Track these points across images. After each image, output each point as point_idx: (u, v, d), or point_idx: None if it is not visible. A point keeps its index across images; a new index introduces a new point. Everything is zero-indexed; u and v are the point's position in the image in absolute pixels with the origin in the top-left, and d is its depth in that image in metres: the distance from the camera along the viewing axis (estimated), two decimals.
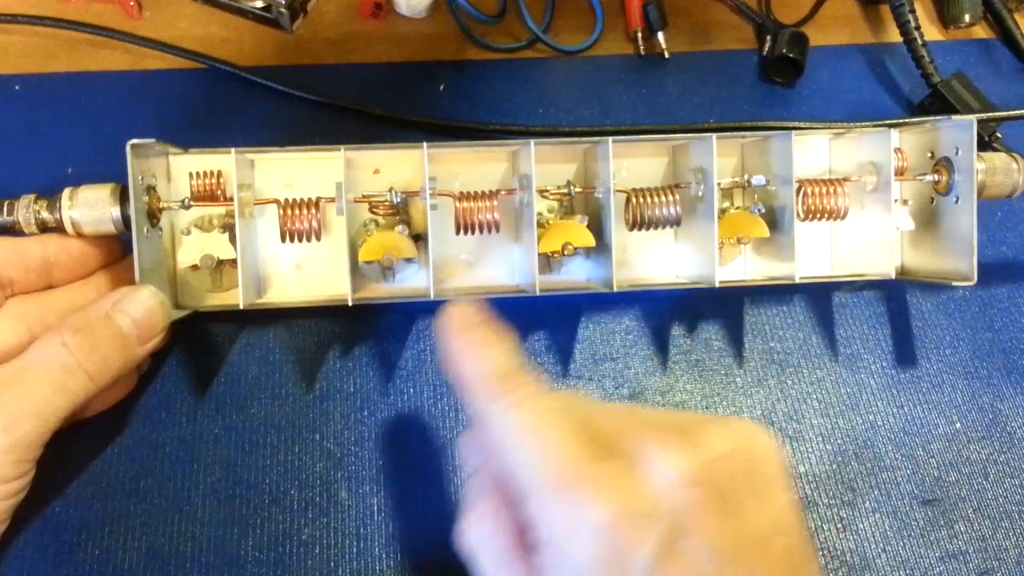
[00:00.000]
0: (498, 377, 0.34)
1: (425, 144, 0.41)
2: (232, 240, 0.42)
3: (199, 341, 0.45)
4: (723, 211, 0.45)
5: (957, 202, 0.44)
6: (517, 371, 0.34)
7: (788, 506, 0.33)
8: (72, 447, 0.42)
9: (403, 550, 0.41)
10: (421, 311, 0.45)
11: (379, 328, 0.46)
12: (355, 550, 0.41)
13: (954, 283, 0.43)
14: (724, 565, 0.30)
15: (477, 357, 0.35)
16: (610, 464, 0.31)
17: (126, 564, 0.40)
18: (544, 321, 0.47)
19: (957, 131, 0.44)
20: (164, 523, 0.41)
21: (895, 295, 0.49)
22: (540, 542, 0.31)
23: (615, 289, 0.42)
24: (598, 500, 0.30)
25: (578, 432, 0.32)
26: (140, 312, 0.38)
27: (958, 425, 0.46)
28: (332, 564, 0.41)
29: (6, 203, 0.40)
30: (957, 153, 0.44)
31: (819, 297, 0.49)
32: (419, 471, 0.43)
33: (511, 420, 0.32)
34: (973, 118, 0.43)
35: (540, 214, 0.45)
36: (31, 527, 0.40)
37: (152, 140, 0.40)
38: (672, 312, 0.48)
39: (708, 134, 0.42)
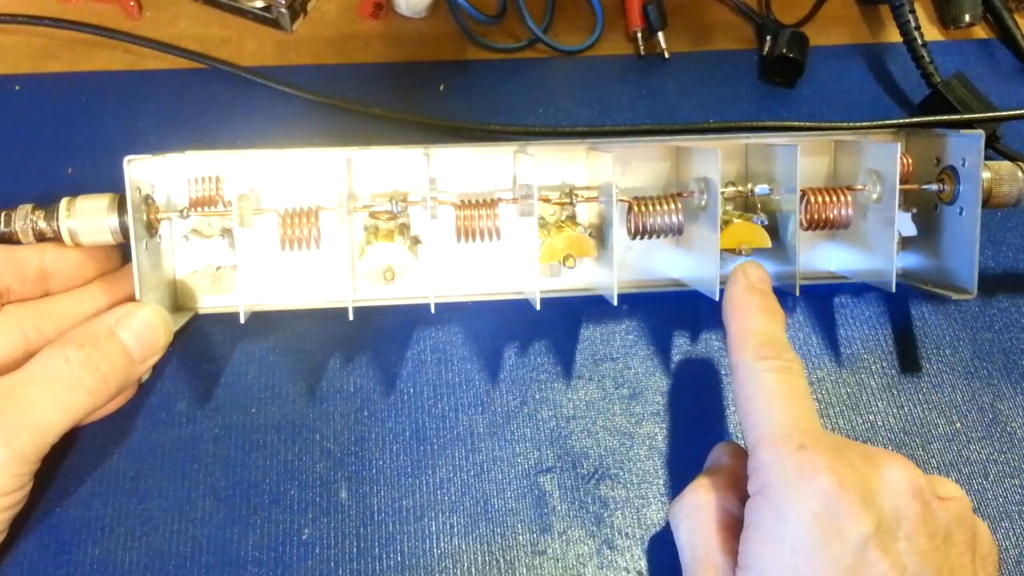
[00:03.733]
0: (770, 341, 0.38)
1: (426, 154, 0.41)
2: (231, 246, 0.43)
3: (199, 341, 0.45)
4: (725, 222, 0.44)
5: (961, 213, 0.44)
6: (786, 345, 0.38)
7: (991, 571, 0.37)
8: (72, 447, 0.42)
9: (403, 550, 0.41)
10: (421, 311, 0.45)
11: (379, 329, 0.46)
12: (355, 550, 0.41)
13: (954, 296, 0.43)
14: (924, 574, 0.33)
15: (757, 317, 0.39)
16: (849, 450, 0.35)
17: (126, 564, 0.40)
18: (545, 321, 0.47)
19: (965, 142, 0.43)
20: (164, 523, 0.41)
21: (895, 296, 0.49)
22: (757, 488, 0.34)
23: (617, 297, 0.42)
24: (833, 467, 0.33)
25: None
26: (143, 329, 0.39)
27: (958, 425, 0.46)
28: (332, 564, 0.41)
29: (3, 213, 0.40)
30: (963, 163, 0.43)
31: (819, 298, 0.49)
32: (419, 471, 0.43)
33: (772, 379, 0.36)
34: (982, 133, 0.42)
35: (541, 217, 0.45)
36: (31, 527, 0.40)
37: (149, 155, 0.40)
38: (672, 312, 0.48)
39: (714, 147, 0.42)
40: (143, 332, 0.39)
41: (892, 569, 0.32)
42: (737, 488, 0.37)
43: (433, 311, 0.42)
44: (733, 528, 0.36)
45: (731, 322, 0.40)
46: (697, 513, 0.37)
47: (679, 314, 0.48)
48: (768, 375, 0.36)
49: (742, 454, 0.39)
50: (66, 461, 0.41)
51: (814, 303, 0.49)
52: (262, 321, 0.45)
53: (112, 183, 0.40)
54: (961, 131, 0.44)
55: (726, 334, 0.40)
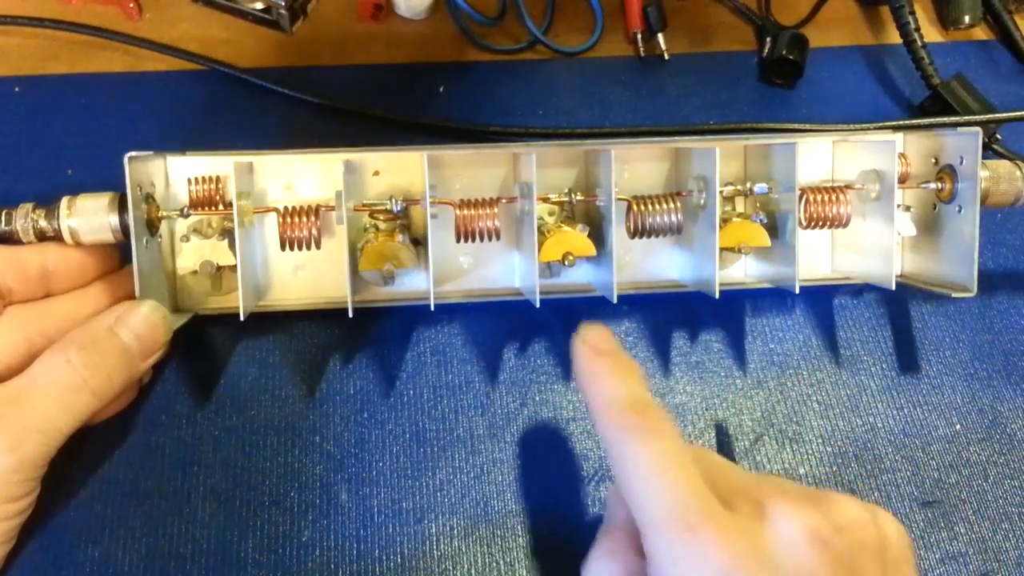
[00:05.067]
0: (630, 406, 0.34)
1: (425, 155, 0.41)
2: (231, 246, 0.43)
3: (199, 343, 0.45)
4: (724, 221, 0.44)
5: (960, 211, 0.44)
6: (648, 403, 0.34)
7: (905, 569, 0.34)
8: (72, 449, 0.41)
9: (403, 552, 0.41)
10: (421, 313, 0.45)
11: (379, 330, 0.46)
12: (355, 552, 0.41)
13: (954, 295, 0.43)
14: None
15: (611, 384, 0.35)
16: (736, 512, 0.32)
17: (126, 566, 0.40)
18: (544, 323, 0.47)
19: (962, 140, 0.43)
20: (164, 525, 0.41)
21: (895, 297, 0.49)
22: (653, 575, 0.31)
23: (616, 298, 0.42)
24: (722, 543, 0.30)
25: (704, 478, 0.32)
26: (143, 327, 0.39)
27: (958, 427, 0.46)
28: (332, 566, 0.41)
29: (4, 212, 0.40)
30: (961, 162, 0.43)
31: (819, 299, 0.49)
32: (419, 473, 0.43)
33: (640, 453, 0.32)
34: (979, 130, 0.43)
35: (540, 218, 0.45)
36: (32, 529, 0.40)
37: (150, 152, 0.40)
38: (672, 314, 0.48)
39: (712, 146, 0.42)
40: (143, 329, 0.38)
41: None
42: (638, 545, 0.34)
43: (433, 310, 0.42)
44: None
45: (586, 395, 0.36)
46: None
47: (679, 314, 0.48)
48: (636, 449, 0.32)
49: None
50: (66, 463, 0.41)
51: (814, 303, 0.49)
52: (262, 321, 0.45)
53: (112, 185, 0.40)
54: (959, 129, 0.44)
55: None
